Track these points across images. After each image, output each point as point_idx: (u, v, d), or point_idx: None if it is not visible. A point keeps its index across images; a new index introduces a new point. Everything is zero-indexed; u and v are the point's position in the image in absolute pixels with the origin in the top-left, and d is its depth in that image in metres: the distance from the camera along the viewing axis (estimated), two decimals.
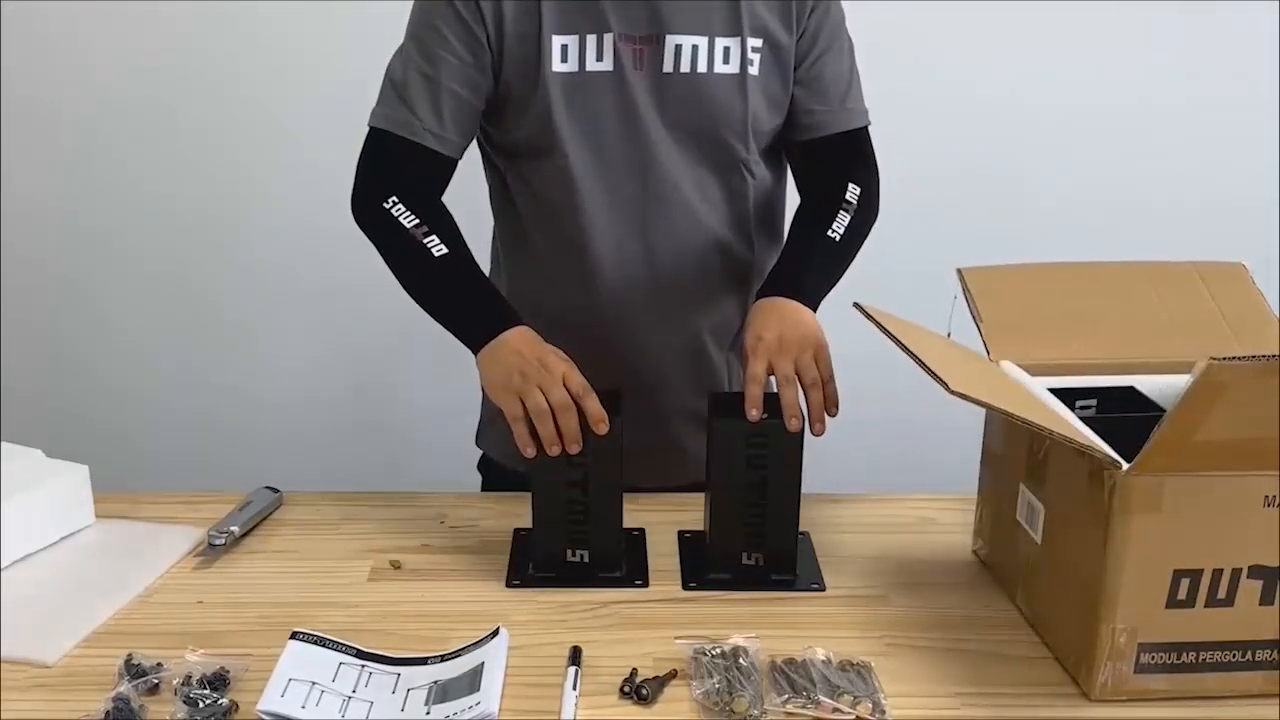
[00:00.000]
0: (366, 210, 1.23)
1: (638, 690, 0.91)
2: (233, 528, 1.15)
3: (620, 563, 1.12)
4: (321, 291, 2.17)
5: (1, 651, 0.96)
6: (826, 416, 1.10)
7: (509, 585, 1.10)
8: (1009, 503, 1.07)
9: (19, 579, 1.09)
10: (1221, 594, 0.89)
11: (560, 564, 1.11)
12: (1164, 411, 0.93)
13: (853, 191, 1.28)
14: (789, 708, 0.89)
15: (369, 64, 2.10)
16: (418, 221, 1.19)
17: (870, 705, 0.89)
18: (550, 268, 1.30)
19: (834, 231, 1.25)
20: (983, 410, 1.06)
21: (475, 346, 1.15)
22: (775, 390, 1.11)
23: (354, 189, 1.25)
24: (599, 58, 1.20)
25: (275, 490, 1.26)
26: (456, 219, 1.24)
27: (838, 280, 1.29)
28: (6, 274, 2.16)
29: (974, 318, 1.14)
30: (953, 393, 0.88)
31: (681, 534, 1.20)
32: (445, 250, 1.18)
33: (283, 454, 2.10)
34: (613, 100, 1.22)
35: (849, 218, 1.26)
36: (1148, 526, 0.87)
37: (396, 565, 1.13)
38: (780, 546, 1.10)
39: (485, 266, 1.39)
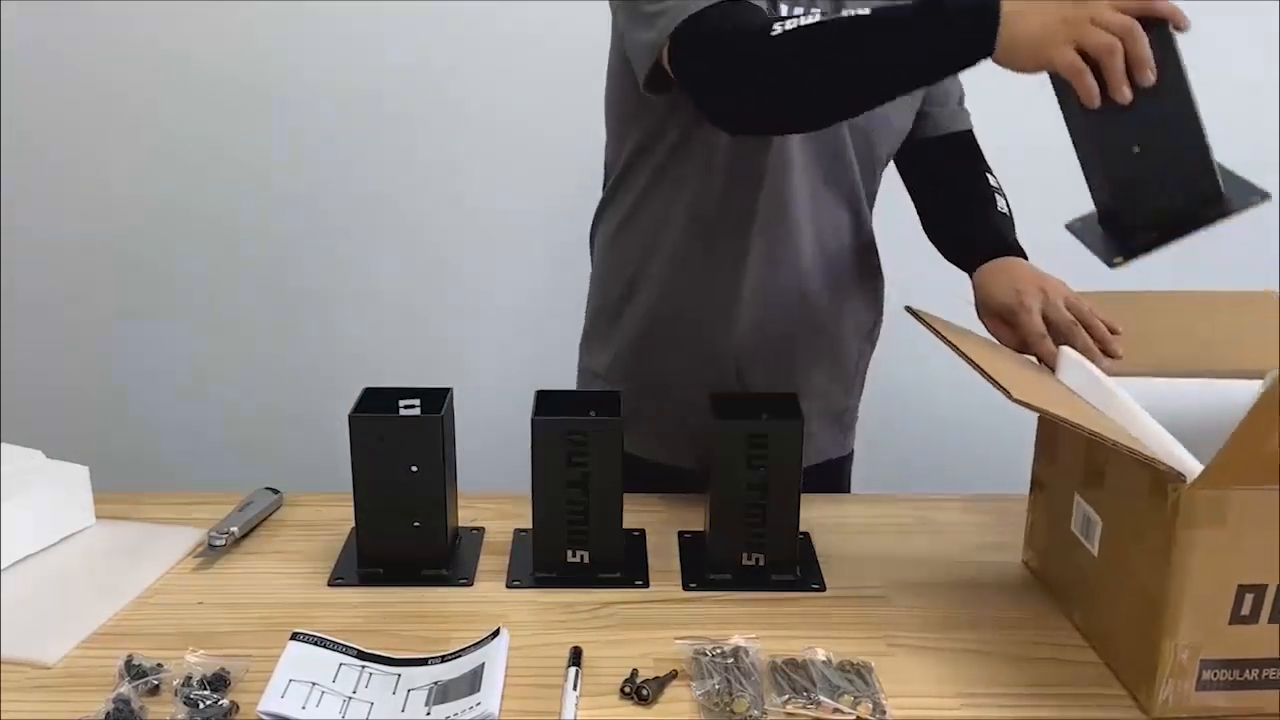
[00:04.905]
0: (753, 57, 1.03)
1: (638, 690, 0.91)
2: (233, 528, 1.16)
3: (620, 563, 1.12)
4: (323, 291, 2.18)
5: (1, 652, 0.96)
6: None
7: (509, 585, 1.10)
8: (1063, 514, 1.05)
9: (19, 579, 1.09)
10: None
11: (560, 564, 1.11)
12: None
13: (994, 179, 1.33)
14: (789, 708, 0.89)
15: (374, 64, 2.10)
16: (811, 11, 1.03)
17: (870, 705, 0.89)
18: (716, 248, 1.26)
19: (1003, 209, 1.30)
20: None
21: (990, 40, 0.94)
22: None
23: (715, 72, 1.06)
24: None
25: (275, 491, 1.27)
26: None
27: None
28: (6, 274, 2.16)
29: None
30: (1015, 401, 0.86)
31: (681, 534, 1.20)
32: (860, 10, 1.01)
33: (283, 454, 2.11)
34: None
35: (1003, 200, 1.31)
36: (1212, 541, 0.85)
37: None
38: (780, 546, 1.10)
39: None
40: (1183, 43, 0.93)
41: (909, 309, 1.05)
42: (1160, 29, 0.92)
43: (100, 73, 2.06)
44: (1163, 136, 0.96)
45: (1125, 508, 0.95)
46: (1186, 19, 0.92)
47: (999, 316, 1.18)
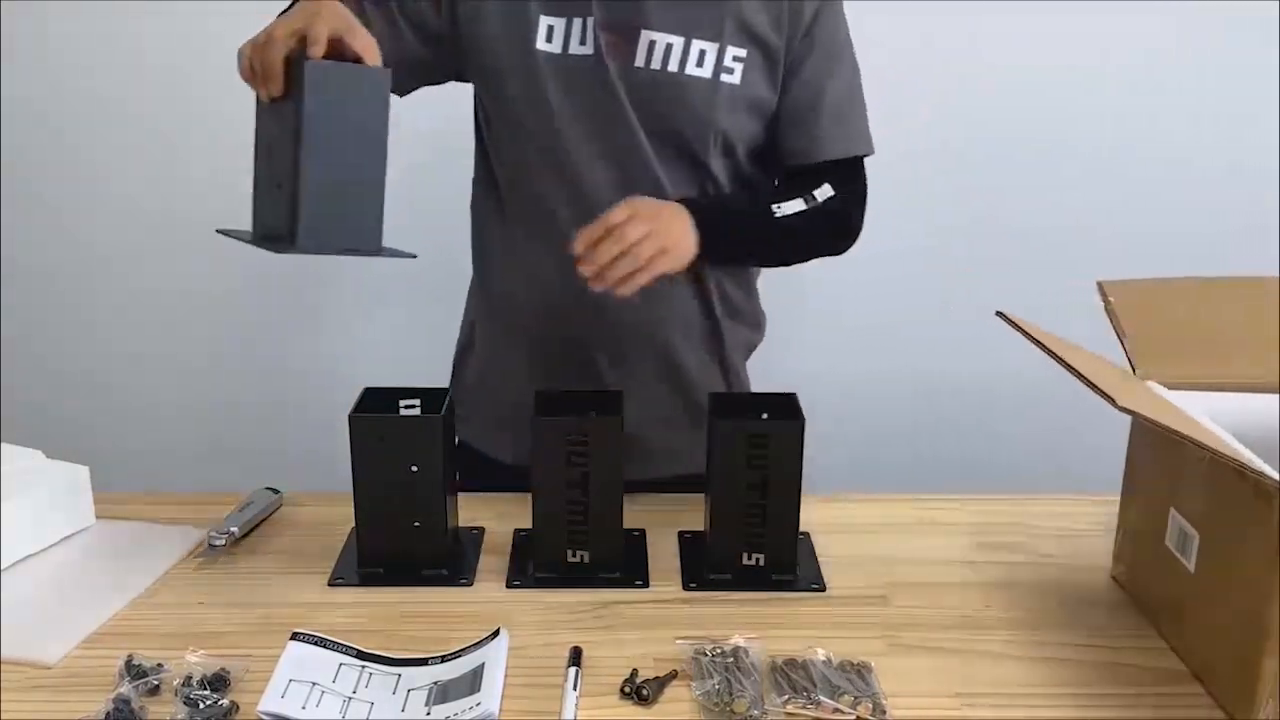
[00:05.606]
0: None
1: (638, 690, 0.91)
2: (233, 528, 1.16)
3: (620, 563, 1.12)
4: (321, 291, 2.18)
5: (1, 652, 0.96)
6: (608, 280, 1.10)
7: (509, 585, 1.10)
8: (1156, 527, 1.03)
9: (19, 579, 1.09)
10: None
11: (560, 564, 1.11)
12: None
13: (823, 191, 1.25)
14: (789, 708, 0.89)
15: None
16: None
17: (870, 705, 0.89)
18: (528, 239, 1.30)
19: (779, 208, 1.23)
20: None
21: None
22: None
23: None
24: (582, 41, 1.22)
25: (275, 490, 1.27)
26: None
27: (758, 259, 1.32)
28: (6, 275, 2.16)
29: (1118, 333, 1.10)
30: (1120, 409, 0.84)
31: (681, 534, 1.20)
32: None
33: (283, 454, 2.10)
34: (596, 85, 1.22)
35: (804, 208, 1.23)
36: None
37: None
38: (780, 546, 1.10)
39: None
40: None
41: (1000, 314, 1.02)
42: (300, 61, 0.99)
43: (104, 75, 2.06)
44: (285, 153, 1.02)
45: (1225, 521, 0.92)
46: (318, 58, 0.99)
47: None
